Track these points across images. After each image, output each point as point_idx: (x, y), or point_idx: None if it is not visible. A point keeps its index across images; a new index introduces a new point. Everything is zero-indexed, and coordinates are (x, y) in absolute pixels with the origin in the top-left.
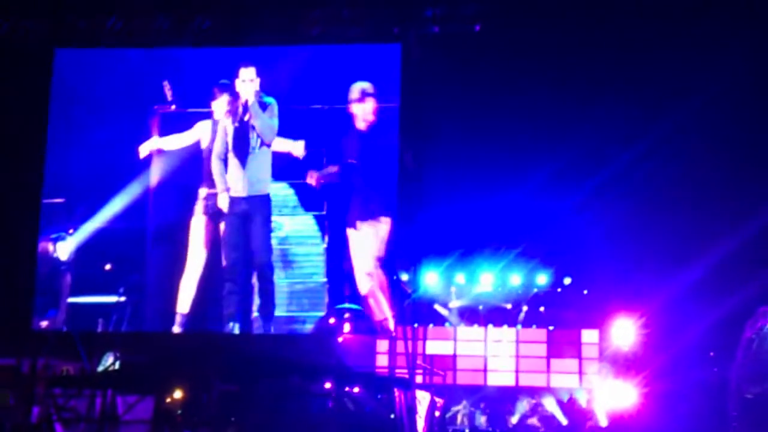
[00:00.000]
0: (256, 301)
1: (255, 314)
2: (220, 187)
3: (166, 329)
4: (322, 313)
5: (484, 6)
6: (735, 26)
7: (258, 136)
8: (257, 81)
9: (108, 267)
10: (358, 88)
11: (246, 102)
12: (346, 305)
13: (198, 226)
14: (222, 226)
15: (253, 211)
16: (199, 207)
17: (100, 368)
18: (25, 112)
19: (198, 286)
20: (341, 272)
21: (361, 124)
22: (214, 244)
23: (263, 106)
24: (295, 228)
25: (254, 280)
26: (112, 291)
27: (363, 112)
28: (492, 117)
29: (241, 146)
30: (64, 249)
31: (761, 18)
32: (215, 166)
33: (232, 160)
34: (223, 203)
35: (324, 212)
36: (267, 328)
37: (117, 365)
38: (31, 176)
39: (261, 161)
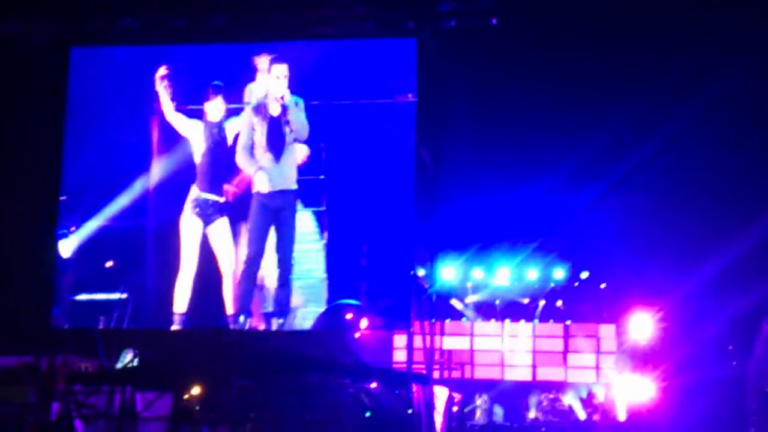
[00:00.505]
0: (274, 295)
1: (269, 309)
2: (252, 169)
3: (166, 327)
4: (321, 309)
5: (501, 0)
6: (753, 22)
7: (292, 131)
8: (286, 79)
9: (109, 264)
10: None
11: (282, 98)
12: (346, 301)
13: (187, 228)
14: (218, 227)
15: (285, 206)
16: (189, 206)
17: (119, 365)
18: (39, 111)
19: (193, 284)
20: (341, 268)
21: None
22: (204, 243)
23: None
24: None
25: (275, 274)
26: (114, 288)
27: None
28: (508, 112)
29: (276, 141)
30: (66, 247)
31: None
32: (241, 157)
33: (265, 155)
34: (263, 183)
35: (324, 208)
36: (285, 320)
37: (136, 362)
38: (47, 175)
39: (293, 157)
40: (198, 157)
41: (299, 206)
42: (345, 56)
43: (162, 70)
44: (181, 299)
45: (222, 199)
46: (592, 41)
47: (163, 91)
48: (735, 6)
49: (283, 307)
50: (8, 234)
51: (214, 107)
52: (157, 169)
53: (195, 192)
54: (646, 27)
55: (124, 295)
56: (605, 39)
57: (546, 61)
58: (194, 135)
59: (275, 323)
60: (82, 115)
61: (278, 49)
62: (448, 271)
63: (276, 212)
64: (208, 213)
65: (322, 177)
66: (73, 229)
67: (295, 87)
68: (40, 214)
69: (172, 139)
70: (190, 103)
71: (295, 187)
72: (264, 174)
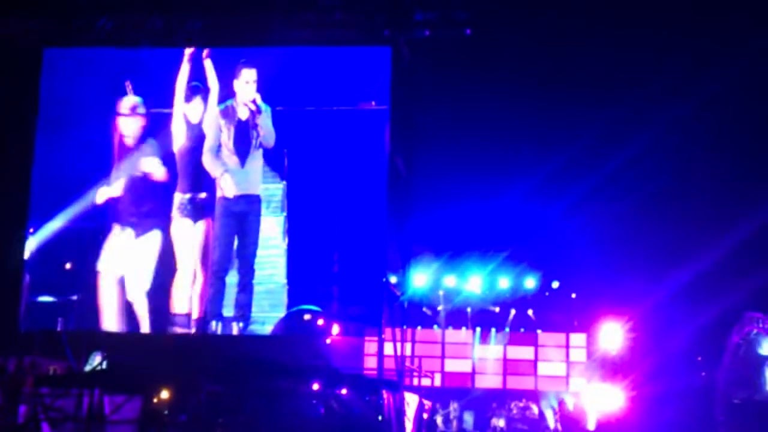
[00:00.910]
0: (235, 299)
1: (231, 313)
2: (218, 172)
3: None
4: (281, 314)
5: (475, 10)
6: (727, 36)
7: (258, 136)
8: (255, 83)
9: (68, 266)
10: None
11: (254, 102)
12: (306, 306)
13: (180, 231)
14: (203, 226)
15: (249, 210)
16: (177, 213)
17: (88, 367)
18: (12, 110)
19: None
20: (301, 273)
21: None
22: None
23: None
24: None
25: (236, 279)
26: (71, 290)
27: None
28: (482, 121)
29: (242, 146)
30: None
31: (751, 28)
32: (208, 158)
33: (231, 158)
34: (229, 186)
35: (284, 214)
36: (246, 325)
37: (104, 365)
38: (18, 175)
39: (258, 162)
40: (179, 159)
41: (265, 210)
42: (311, 63)
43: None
44: (182, 301)
45: (204, 195)
46: (566, 53)
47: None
48: (712, 17)
49: (244, 311)
50: None
51: (193, 108)
52: (117, 172)
53: (178, 197)
54: (620, 39)
55: (75, 297)
56: (578, 50)
57: (519, 71)
58: (177, 134)
59: (235, 327)
60: (53, 116)
61: (248, 53)
62: (420, 279)
63: (240, 216)
64: (194, 212)
65: (283, 183)
66: (31, 230)
67: (261, 92)
68: (8, 215)
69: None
70: (159, 105)
71: (259, 192)
72: (230, 177)
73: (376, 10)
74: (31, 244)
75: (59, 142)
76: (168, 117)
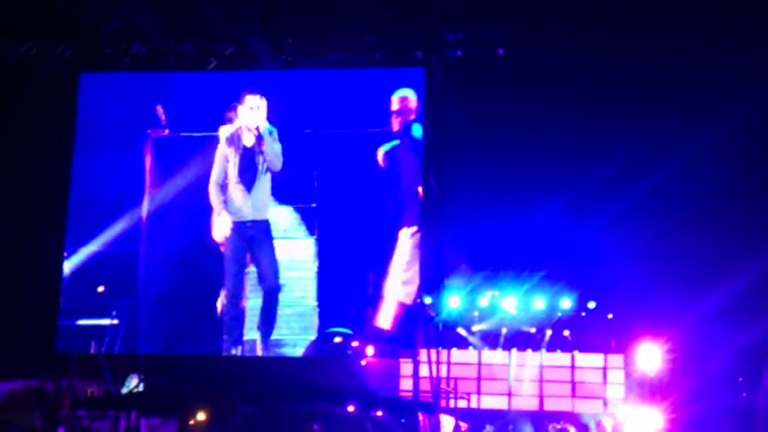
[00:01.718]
0: (256, 323)
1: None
2: (218, 207)
3: (160, 351)
4: (312, 337)
5: (507, 30)
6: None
7: (265, 161)
8: (264, 107)
9: (100, 289)
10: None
11: (257, 128)
12: (337, 329)
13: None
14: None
15: (260, 236)
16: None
17: (125, 390)
18: (51, 133)
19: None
20: (333, 296)
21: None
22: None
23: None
24: (284, 252)
25: (258, 303)
26: (105, 314)
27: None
28: (516, 140)
29: (248, 172)
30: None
31: None
32: (212, 190)
33: (237, 186)
34: (225, 227)
35: (315, 236)
36: (265, 347)
37: (141, 387)
38: (55, 199)
39: (266, 187)
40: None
41: (291, 234)
42: (341, 85)
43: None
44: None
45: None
46: (598, 71)
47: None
48: (754, 36)
49: (265, 332)
50: (14, 256)
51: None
52: (151, 197)
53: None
54: (655, 58)
55: (116, 321)
56: (612, 69)
57: (553, 90)
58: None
59: (259, 349)
60: (88, 139)
61: (276, 77)
62: (454, 300)
63: (250, 242)
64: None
65: (314, 205)
66: (65, 254)
67: (289, 115)
68: (47, 237)
69: (167, 166)
70: (191, 129)
71: (267, 217)
72: (226, 214)
73: (408, 31)
74: (67, 267)
75: (95, 166)
76: (198, 140)
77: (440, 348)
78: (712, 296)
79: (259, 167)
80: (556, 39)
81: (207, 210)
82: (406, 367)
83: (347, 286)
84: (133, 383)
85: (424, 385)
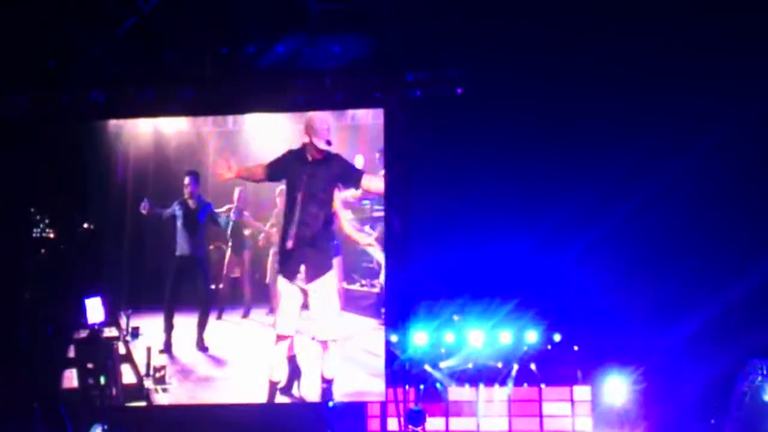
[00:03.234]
0: None
1: None
2: None
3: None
4: None
5: (466, 69)
6: (736, 86)
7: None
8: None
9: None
10: None
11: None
12: None
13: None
14: None
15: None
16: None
17: None
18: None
19: None
20: None
21: None
22: None
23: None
24: None
25: None
26: None
27: None
28: (481, 177)
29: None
30: None
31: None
32: None
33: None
34: None
35: None
36: None
37: None
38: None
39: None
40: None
41: None
42: None
43: None
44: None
45: None
46: (561, 106)
47: None
48: (721, 65)
49: None
50: None
51: None
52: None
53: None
54: (617, 92)
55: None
56: (574, 103)
57: (515, 126)
58: None
59: None
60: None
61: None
62: (420, 337)
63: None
64: None
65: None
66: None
67: None
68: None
69: None
70: None
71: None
72: None
73: (367, 72)
74: None
75: None
76: None
77: (407, 386)
78: (678, 327)
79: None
80: (516, 76)
81: None
82: (373, 407)
83: None
84: None
85: (392, 425)
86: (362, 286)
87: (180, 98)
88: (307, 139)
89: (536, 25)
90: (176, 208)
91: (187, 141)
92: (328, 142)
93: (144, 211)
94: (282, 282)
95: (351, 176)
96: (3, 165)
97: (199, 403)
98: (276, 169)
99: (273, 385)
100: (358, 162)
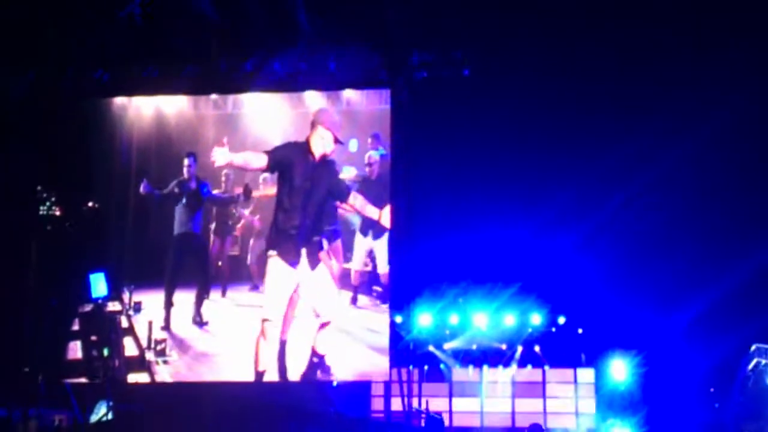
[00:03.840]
0: None
1: None
2: None
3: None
4: None
5: (473, 51)
6: (735, 73)
7: None
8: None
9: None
10: None
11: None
12: None
13: None
14: None
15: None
16: None
17: (94, 418)
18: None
19: None
20: None
21: None
22: None
23: None
24: None
25: None
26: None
27: None
28: (485, 162)
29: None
30: None
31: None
32: None
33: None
34: None
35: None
36: None
37: (110, 415)
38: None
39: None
40: None
41: None
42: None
43: None
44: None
45: None
46: (567, 89)
47: None
48: (714, 54)
49: None
50: None
51: None
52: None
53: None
54: (624, 76)
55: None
56: (581, 86)
57: (521, 108)
58: None
59: None
60: None
61: None
62: (424, 318)
63: None
64: None
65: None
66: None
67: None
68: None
69: None
70: None
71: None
72: None
73: (374, 53)
74: None
75: None
76: None
77: (411, 367)
78: (682, 310)
79: None
80: (522, 58)
81: None
82: (377, 387)
83: None
84: (101, 411)
85: (396, 405)
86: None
87: (184, 76)
88: (314, 133)
89: (543, 8)
90: (175, 188)
91: (188, 123)
92: (337, 140)
93: (142, 191)
94: (276, 265)
95: (341, 190)
96: (10, 145)
97: (200, 380)
98: (278, 161)
99: (260, 375)
100: (352, 146)
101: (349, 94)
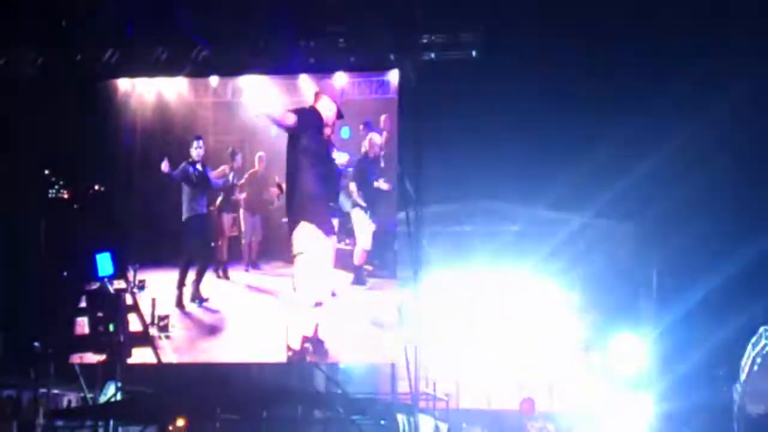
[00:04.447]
0: None
1: None
2: None
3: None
4: None
5: (481, 33)
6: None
7: None
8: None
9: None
10: None
11: None
12: None
13: None
14: None
15: None
16: None
17: (102, 398)
18: None
19: None
20: None
21: None
22: None
23: None
24: None
25: None
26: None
27: None
28: (493, 139)
29: None
30: None
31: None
32: None
33: None
34: None
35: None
36: None
37: (119, 395)
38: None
39: None
40: None
41: None
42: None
43: None
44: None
45: None
46: (571, 71)
47: None
48: (724, 36)
49: None
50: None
51: None
52: None
53: None
54: (628, 59)
55: None
56: (586, 69)
57: (528, 91)
58: None
59: None
60: None
61: None
62: (432, 299)
63: None
64: None
65: None
66: None
67: None
68: None
69: None
70: None
71: None
72: None
73: (382, 34)
74: None
75: None
76: None
77: (417, 348)
78: (689, 293)
79: None
80: (530, 41)
81: None
82: (384, 368)
83: None
84: (110, 391)
85: (403, 387)
86: (346, 245)
87: (193, 58)
88: (320, 102)
89: None
90: (188, 169)
91: (189, 109)
92: (340, 114)
93: (164, 170)
94: (307, 232)
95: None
96: (19, 128)
97: (203, 357)
98: (303, 124)
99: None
100: (344, 133)
101: (342, 83)
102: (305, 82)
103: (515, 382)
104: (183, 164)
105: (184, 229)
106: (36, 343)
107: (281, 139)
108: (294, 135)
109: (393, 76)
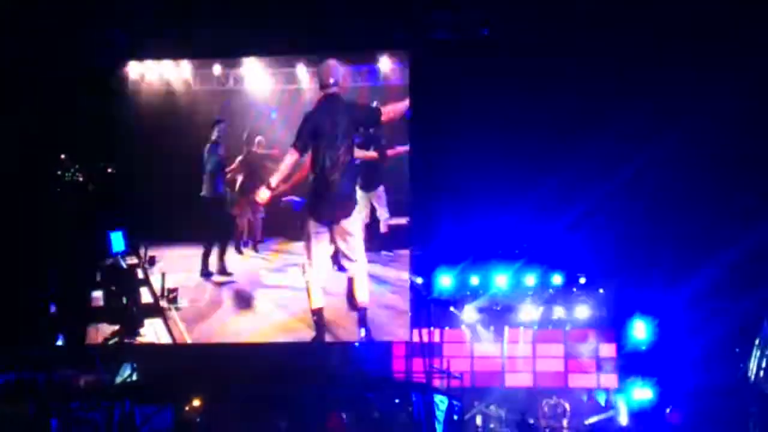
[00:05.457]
0: None
1: None
2: None
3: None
4: None
5: (492, 12)
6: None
7: None
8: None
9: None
10: None
11: None
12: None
13: None
14: None
15: None
16: None
17: (118, 379)
18: None
19: None
20: None
21: None
22: None
23: None
24: None
25: None
26: None
27: None
28: (504, 121)
29: None
30: None
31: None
32: None
33: None
34: None
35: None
36: None
37: (135, 376)
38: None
39: None
40: None
41: None
42: None
43: None
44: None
45: None
46: (581, 55)
47: None
48: (726, 30)
49: None
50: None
51: None
52: None
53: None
54: (640, 44)
55: None
56: (596, 53)
57: (538, 72)
58: None
59: None
60: None
61: None
62: (445, 279)
63: None
64: None
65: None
66: None
67: None
68: None
69: None
70: None
71: None
72: None
73: (392, 14)
74: None
75: None
76: None
77: (432, 328)
78: (702, 271)
79: None
80: (541, 22)
81: None
82: (398, 347)
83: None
84: (126, 372)
85: (418, 366)
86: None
87: (198, 41)
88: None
89: None
90: (211, 151)
91: (194, 95)
92: (335, 82)
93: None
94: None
95: (367, 115)
96: (32, 115)
97: (221, 342)
98: (304, 142)
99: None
100: None
101: (340, 70)
102: (302, 72)
103: (528, 359)
104: (207, 145)
105: (205, 208)
106: (53, 308)
107: (279, 124)
108: None
109: (384, 64)
